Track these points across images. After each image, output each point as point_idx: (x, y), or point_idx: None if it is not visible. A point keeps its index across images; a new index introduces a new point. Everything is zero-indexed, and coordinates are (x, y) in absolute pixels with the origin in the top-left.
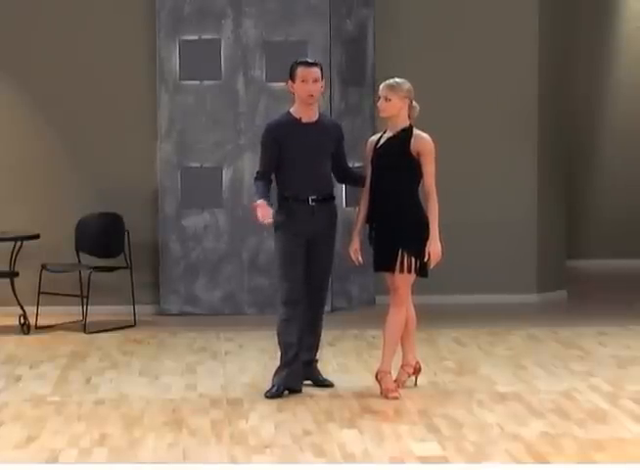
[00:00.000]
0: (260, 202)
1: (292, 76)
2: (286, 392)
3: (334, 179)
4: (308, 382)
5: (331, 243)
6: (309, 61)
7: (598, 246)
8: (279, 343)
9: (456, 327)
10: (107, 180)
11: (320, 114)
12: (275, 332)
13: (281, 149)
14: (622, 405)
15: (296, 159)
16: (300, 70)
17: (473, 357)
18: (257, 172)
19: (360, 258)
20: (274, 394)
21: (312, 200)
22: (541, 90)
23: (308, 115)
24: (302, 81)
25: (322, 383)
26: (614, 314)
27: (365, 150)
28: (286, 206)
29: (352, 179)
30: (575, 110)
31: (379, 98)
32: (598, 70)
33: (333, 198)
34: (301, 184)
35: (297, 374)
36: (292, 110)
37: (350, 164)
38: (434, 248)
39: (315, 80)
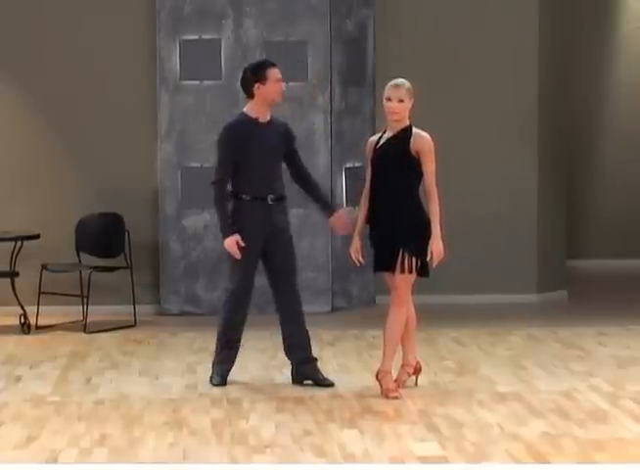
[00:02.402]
0: (233, 238)
1: (260, 78)
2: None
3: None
4: (309, 381)
5: (290, 240)
6: (271, 61)
7: (598, 246)
8: (219, 338)
9: (456, 327)
10: (107, 180)
11: (270, 114)
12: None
13: (241, 149)
14: (622, 405)
15: (255, 159)
16: (273, 72)
17: (473, 357)
18: (218, 176)
19: (361, 258)
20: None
21: (271, 199)
22: (541, 90)
23: (264, 115)
24: (276, 82)
25: (322, 382)
26: (614, 314)
27: (365, 150)
28: (242, 206)
29: (304, 181)
30: (575, 110)
31: (388, 99)
32: (598, 70)
33: (285, 197)
34: (261, 184)
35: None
36: (246, 110)
37: (350, 165)
38: (437, 247)
39: (281, 80)
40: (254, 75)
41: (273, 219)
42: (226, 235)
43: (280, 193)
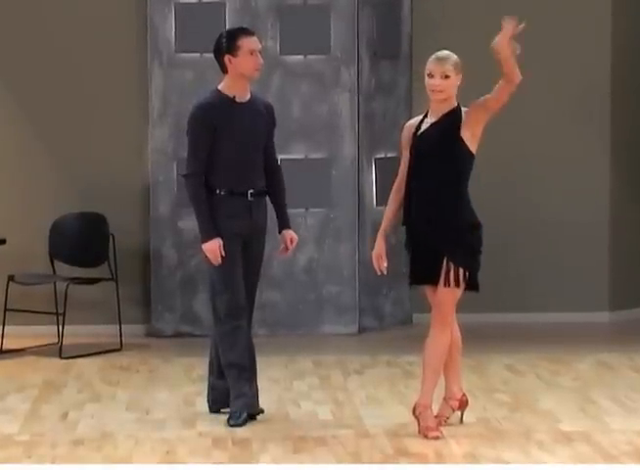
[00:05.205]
0: (214, 242)
1: (231, 49)
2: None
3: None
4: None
5: (264, 243)
6: (247, 28)
7: None
8: (225, 366)
9: (511, 352)
10: (87, 173)
11: (251, 92)
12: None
13: (216, 134)
14: None
15: (233, 146)
16: (245, 41)
17: (531, 389)
18: (192, 167)
19: (384, 267)
20: (239, 422)
21: (251, 194)
22: (615, 71)
23: (243, 93)
24: (251, 54)
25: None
26: None
27: (401, 136)
28: (219, 202)
29: (271, 179)
30: None
31: (430, 75)
32: None
33: (267, 193)
34: (239, 176)
35: (254, 396)
36: (221, 87)
37: (382, 155)
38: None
39: (260, 51)
40: (226, 45)
41: (253, 220)
42: (208, 237)
43: (260, 186)
